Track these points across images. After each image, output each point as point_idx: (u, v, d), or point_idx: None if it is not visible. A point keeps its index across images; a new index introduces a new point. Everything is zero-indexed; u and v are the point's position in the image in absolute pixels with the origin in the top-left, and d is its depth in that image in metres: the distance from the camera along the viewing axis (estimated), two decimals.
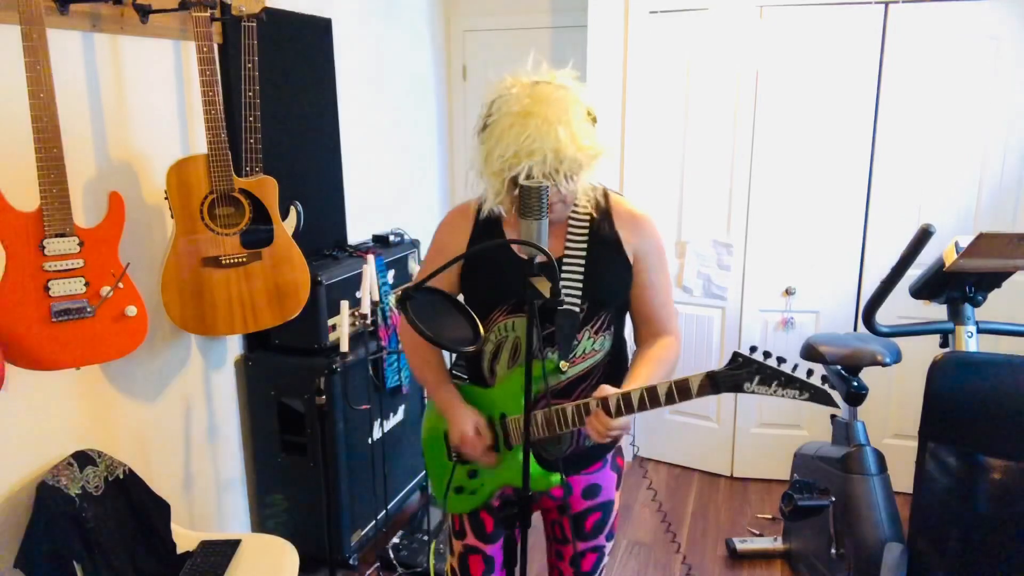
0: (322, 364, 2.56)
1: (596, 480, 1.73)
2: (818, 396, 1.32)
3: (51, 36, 1.75)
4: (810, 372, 1.34)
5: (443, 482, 1.75)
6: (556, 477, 1.62)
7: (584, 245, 1.59)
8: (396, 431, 3.09)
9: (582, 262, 1.58)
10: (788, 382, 1.33)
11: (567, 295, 1.56)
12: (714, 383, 1.37)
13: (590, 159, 1.47)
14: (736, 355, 1.36)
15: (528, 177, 1.42)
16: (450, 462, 1.71)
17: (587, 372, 1.62)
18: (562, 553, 1.80)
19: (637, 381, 1.54)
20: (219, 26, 2.46)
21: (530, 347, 1.39)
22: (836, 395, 2.68)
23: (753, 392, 1.34)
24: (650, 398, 1.42)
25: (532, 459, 1.61)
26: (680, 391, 1.40)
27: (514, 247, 1.58)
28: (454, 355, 1.82)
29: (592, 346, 1.61)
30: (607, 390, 1.48)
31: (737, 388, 1.36)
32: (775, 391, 1.33)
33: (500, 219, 1.61)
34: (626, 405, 1.44)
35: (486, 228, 1.63)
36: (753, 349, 1.36)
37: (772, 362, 1.34)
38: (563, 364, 1.58)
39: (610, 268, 1.60)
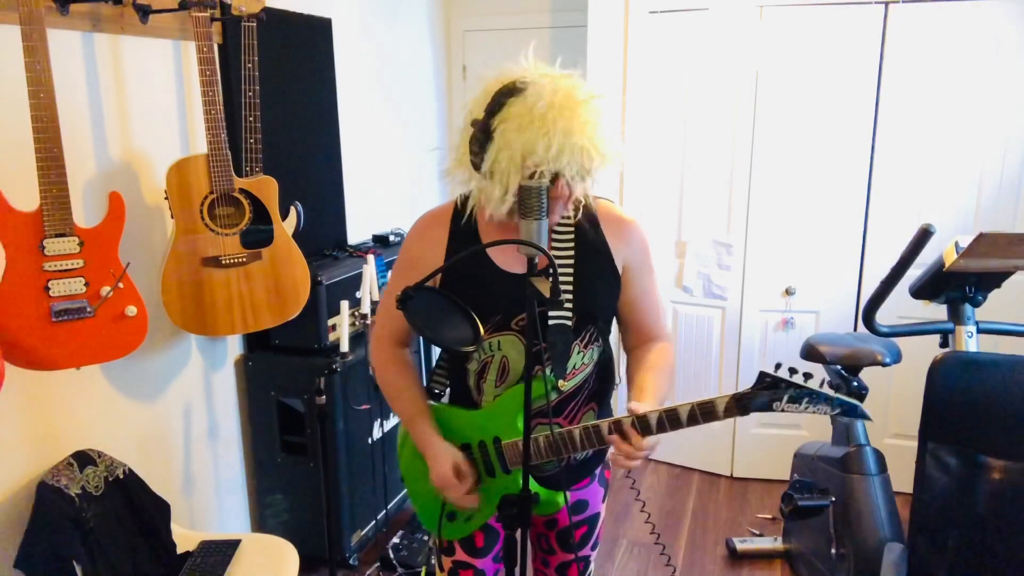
0: (322, 364, 2.56)
1: (584, 496, 1.69)
2: (850, 411, 1.31)
3: (51, 36, 1.75)
4: (838, 387, 1.32)
5: (432, 509, 1.65)
6: (562, 497, 1.56)
7: (571, 253, 1.50)
8: (396, 431, 3.08)
9: (570, 271, 1.49)
10: (819, 399, 1.30)
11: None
12: (742, 405, 1.33)
13: (607, 163, 1.40)
14: (763, 374, 1.32)
15: (545, 176, 1.33)
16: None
17: (578, 387, 1.56)
18: (548, 561, 1.78)
19: (647, 392, 1.47)
20: (219, 26, 2.46)
21: (529, 356, 1.33)
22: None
23: (783, 411, 1.32)
24: (670, 421, 1.37)
25: (534, 480, 1.55)
26: (705, 413, 1.35)
27: (510, 252, 1.50)
28: (435, 365, 1.74)
29: (582, 360, 1.54)
30: (635, 408, 1.40)
31: (766, 408, 1.32)
32: (806, 408, 1.31)
33: (476, 228, 1.51)
34: (644, 428, 1.38)
35: (464, 238, 1.52)
36: (778, 366, 1.33)
37: (799, 378, 1.31)
38: (560, 383, 1.50)
39: (600, 278, 1.53)
